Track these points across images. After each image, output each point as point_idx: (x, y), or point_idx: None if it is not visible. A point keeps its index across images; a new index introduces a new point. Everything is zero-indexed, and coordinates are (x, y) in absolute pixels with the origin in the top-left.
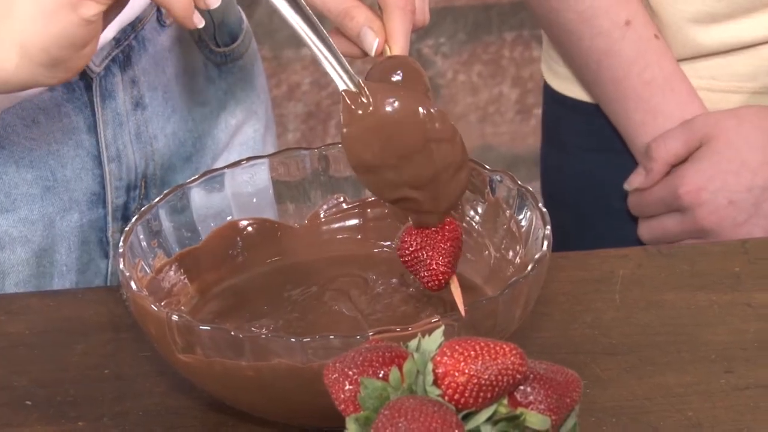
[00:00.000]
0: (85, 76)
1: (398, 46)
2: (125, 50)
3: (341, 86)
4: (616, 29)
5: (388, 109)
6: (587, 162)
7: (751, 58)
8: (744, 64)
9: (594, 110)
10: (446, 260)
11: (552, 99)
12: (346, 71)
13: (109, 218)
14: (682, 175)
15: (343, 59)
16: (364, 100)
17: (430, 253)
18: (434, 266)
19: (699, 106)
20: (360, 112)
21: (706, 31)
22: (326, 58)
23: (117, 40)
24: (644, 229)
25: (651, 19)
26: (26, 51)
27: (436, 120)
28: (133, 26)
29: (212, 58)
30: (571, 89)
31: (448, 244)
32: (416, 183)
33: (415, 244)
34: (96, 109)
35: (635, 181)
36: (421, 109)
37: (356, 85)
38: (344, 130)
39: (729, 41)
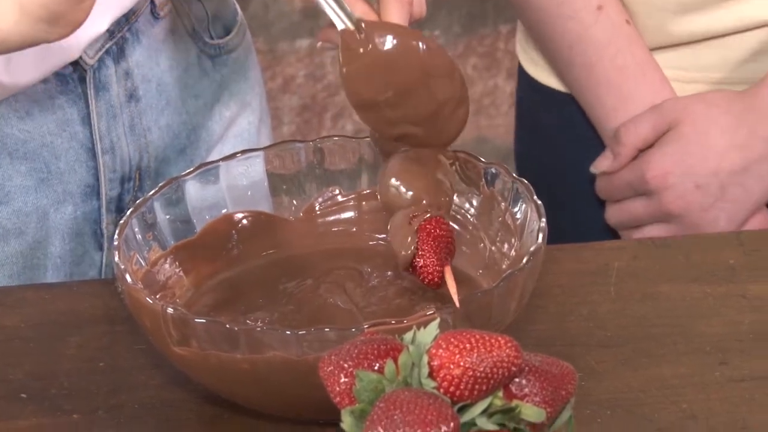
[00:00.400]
0: (78, 68)
1: None
2: (119, 42)
3: (339, 26)
4: (588, 14)
5: (387, 45)
6: (559, 148)
7: (719, 48)
8: (712, 55)
9: (567, 99)
10: (434, 259)
11: (528, 84)
12: (344, 10)
13: (104, 210)
14: (649, 160)
15: None
16: (362, 38)
17: (419, 258)
18: (425, 268)
19: (670, 92)
20: (359, 50)
21: (677, 21)
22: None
23: (110, 32)
24: (611, 213)
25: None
26: (24, 7)
27: (434, 55)
28: (127, 18)
29: (206, 51)
30: (546, 77)
31: (434, 240)
32: (416, 119)
33: None
34: (90, 101)
35: (602, 164)
36: (419, 45)
37: (354, 23)
38: (343, 69)
39: (698, 31)
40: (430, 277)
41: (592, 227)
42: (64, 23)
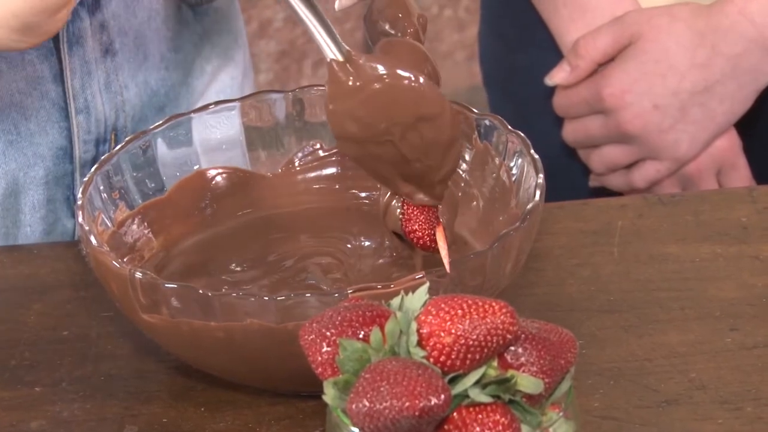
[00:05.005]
0: None
1: None
2: None
3: (329, 56)
4: None
5: (377, 84)
6: (523, 54)
7: None
8: None
9: (528, 5)
10: (424, 221)
11: None
12: (334, 39)
13: (77, 174)
14: (608, 75)
15: (332, 26)
16: (352, 73)
17: (407, 223)
18: (415, 232)
19: (632, 3)
20: (348, 86)
21: None
22: (314, 25)
23: None
24: (568, 131)
25: None
26: None
27: (427, 96)
28: None
29: (186, 0)
30: None
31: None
32: (404, 159)
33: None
34: (63, 57)
35: (558, 76)
36: (412, 84)
37: (344, 55)
38: (329, 105)
39: None
40: (422, 241)
41: (555, 138)
42: (35, 34)
